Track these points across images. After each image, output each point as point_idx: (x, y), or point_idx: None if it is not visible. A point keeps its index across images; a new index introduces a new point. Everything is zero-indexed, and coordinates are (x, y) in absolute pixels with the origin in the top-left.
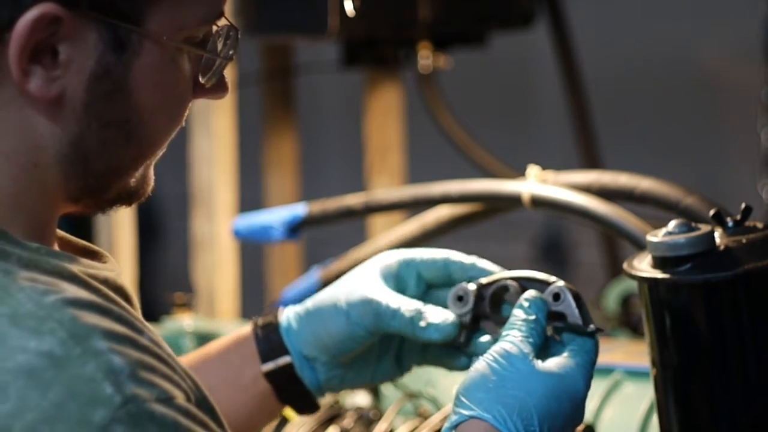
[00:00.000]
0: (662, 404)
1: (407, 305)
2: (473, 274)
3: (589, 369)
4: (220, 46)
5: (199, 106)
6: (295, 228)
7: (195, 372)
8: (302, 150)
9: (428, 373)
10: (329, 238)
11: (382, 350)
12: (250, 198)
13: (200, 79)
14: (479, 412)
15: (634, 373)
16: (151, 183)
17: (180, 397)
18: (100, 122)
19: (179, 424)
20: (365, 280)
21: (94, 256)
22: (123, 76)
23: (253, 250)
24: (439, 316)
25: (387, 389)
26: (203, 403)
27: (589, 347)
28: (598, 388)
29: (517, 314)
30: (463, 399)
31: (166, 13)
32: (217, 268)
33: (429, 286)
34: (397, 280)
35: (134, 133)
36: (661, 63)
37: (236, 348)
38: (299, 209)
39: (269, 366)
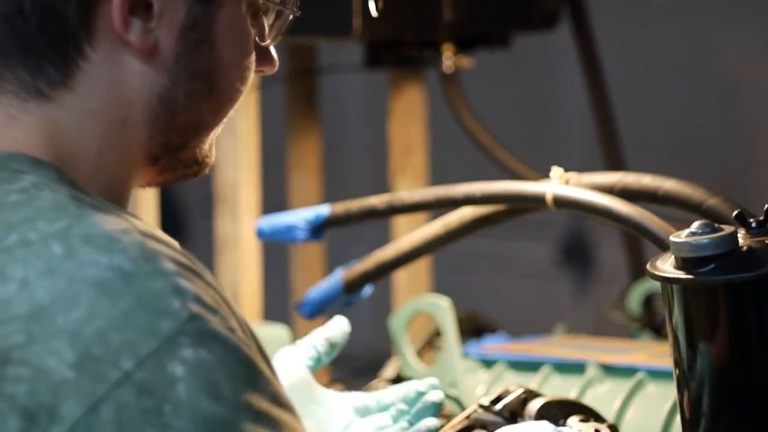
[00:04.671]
0: (685, 405)
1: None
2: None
3: None
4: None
5: None
6: (318, 228)
7: None
8: (326, 151)
9: (451, 375)
10: (353, 238)
11: None
12: (274, 199)
13: (263, 37)
14: None
15: (657, 374)
16: (214, 155)
17: (240, 332)
18: (188, 74)
19: (240, 350)
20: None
21: None
22: (209, 27)
23: (276, 251)
24: None
25: None
26: (260, 350)
27: None
28: (621, 388)
29: None
30: None
31: None
32: (241, 268)
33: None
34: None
35: (216, 86)
36: (684, 63)
37: None
38: (323, 209)
39: None
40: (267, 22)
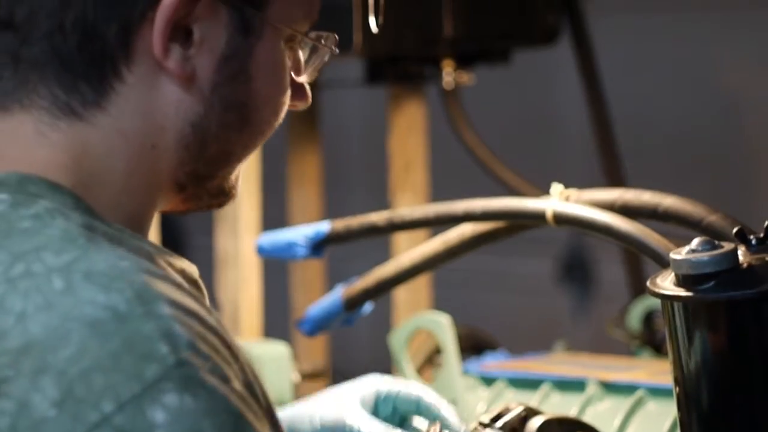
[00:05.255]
0: (685, 423)
1: (381, 429)
2: (436, 416)
3: None
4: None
5: None
6: (318, 245)
7: None
8: (326, 167)
9: (451, 392)
10: (353, 255)
11: None
12: (274, 215)
13: (298, 73)
14: None
15: (658, 391)
16: (239, 187)
17: (235, 382)
18: (222, 104)
19: (228, 401)
20: (343, 403)
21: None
22: (247, 59)
23: (276, 267)
24: None
25: None
26: (264, 399)
27: None
28: (621, 406)
29: None
30: None
31: (282, 3)
32: (241, 284)
33: (403, 418)
34: (374, 409)
35: (249, 119)
36: (684, 79)
37: None
38: (323, 226)
39: None
40: (303, 56)
